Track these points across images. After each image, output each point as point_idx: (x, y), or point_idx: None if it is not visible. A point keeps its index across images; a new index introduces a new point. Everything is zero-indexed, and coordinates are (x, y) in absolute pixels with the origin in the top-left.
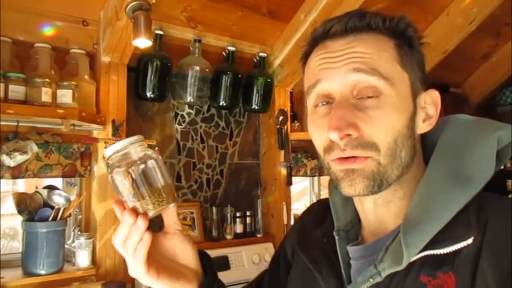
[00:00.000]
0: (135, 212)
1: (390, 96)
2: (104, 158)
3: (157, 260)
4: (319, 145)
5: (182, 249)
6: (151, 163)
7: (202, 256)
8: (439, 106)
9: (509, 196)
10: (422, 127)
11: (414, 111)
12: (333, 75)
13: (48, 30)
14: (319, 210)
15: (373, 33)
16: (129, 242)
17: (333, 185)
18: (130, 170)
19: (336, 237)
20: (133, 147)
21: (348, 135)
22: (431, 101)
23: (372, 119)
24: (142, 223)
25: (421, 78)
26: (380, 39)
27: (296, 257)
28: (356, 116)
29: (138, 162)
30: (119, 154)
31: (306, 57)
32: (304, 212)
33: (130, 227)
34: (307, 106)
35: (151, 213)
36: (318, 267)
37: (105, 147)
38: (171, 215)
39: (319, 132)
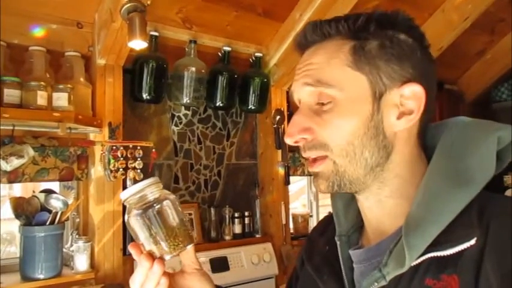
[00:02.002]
0: (151, 256)
1: (341, 100)
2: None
3: None
4: None
5: None
6: (167, 203)
7: None
8: (422, 99)
9: (506, 191)
10: (399, 124)
11: (376, 110)
12: (295, 87)
13: (42, 33)
14: (325, 221)
15: (332, 40)
16: (147, 286)
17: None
18: (146, 212)
19: (338, 243)
20: (150, 189)
21: (303, 138)
22: (411, 95)
23: (325, 122)
24: (158, 268)
25: (392, 72)
26: (335, 45)
27: (304, 269)
28: (312, 121)
29: (154, 203)
30: (135, 197)
31: None
32: (316, 225)
33: (147, 272)
34: None
35: (167, 257)
36: (319, 274)
37: (102, 150)
38: (188, 255)
39: None
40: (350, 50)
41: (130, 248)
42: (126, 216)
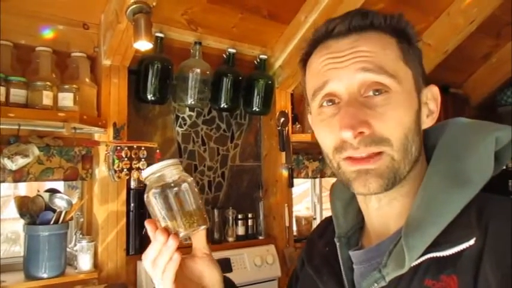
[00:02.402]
0: (166, 231)
1: (398, 92)
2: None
3: (183, 283)
4: (328, 145)
5: (209, 274)
6: (184, 186)
7: (227, 281)
8: (439, 101)
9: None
10: (427, 122)
11: (419, 107)
12: (340, 75)
13: (49, 34)
14: (325, 223)
15: (376, 32)
16: (159, 262)
17: (334, 193)
18: (164, 191)
19: (337, 244)
20: (169, 169)
21: (361, 133)
22: (432, 96)
23: (383, 116)
24: (173, 243)
25: (421, 74)
26: (383, 38)
27: (304, 270)
28: (366, 114)
29: (173, 184)
30: (155, 175)
31: (305, 58)
32: (315, 227)
33: (161, 246)
34: (311, 107)
35: (182, 234)
36: (319, 275)
37: (106, 150)
38: (200, 239)
39: (327, 132)
40: (398, 44)
41: (147, 224)
42: (145, 194)
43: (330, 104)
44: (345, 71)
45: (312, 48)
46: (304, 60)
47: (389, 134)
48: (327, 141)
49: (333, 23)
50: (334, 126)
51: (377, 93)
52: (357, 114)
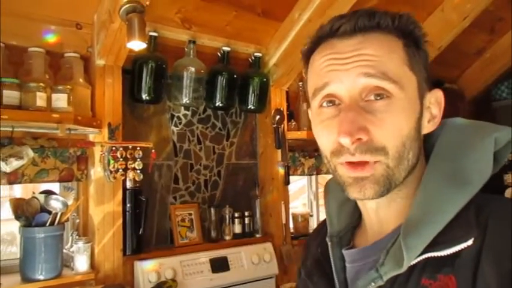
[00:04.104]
0: None
1: (400, 99)
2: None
3: None
4: (326, 147)
5: None
6: None
7: None
8: (442, 106)
9: (506, 190)
10: (428, 127)
11: (421, 113)
12: (342, 77)
13: (45, 36)
14: (320, 225)
15: (382, 33)
16: None
17: (329, 192)
18: None
19: (329, 243)
20: None
21: (359, 139)
22: (435, 100)
23: (382, 122)
24: None
25: (426, 78)
26: (389, 40)
27: (301, 275)
28: (366, 119)
29: None
30: None
31: (308, 55)
32: (312, 231)
33: None
34: (312, 105)
35: None
36: (310, 276)
37: (101, 151)
38: None
39: (326, 133)
40: (404, 48)
41: None
42: None
43: (330, 104)
44: (347, 74)
45: (315, 45)
46: (307, 57)
47: (386, 142)
48: (325, 142)
49: (339, 22)
50: (332, 129)
51: (378, 98)
52: (356, 120)
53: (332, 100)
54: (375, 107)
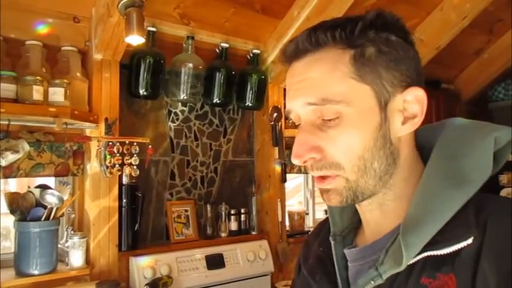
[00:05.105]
0: None
1: (349, 115)
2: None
3: None
4: None
5: None
6: None
7: None
8: (424, 103)
9: (502, 190)
10: (403, 129)
11: (384, 119)
12: (293, 104)
13: (43, 29)
14: (320, 223)
15: (327, 49)
16: None
17: None
18: None
19: (332, 242)
20: None
21: (312, 157)
22: (414, 99)
23: (334, 140)
24: None
25: (394, 79)
26: (334, 55)
27: (300, 273)
28: (319, 138)
29: None
30: None
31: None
32: (312, 229)
33: None
34: None
35: None
36: (312, 275)
37: (98, 146)
38: None
39: None
40: (350, 59)
41: None
42: None
43: (298, 124)
44: (296, 101)
45: (286, 66)
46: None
47: (340, 159)
48: None
49: (288, 46)
50: None
51: (330, 118)
52: (307, 141)
53: (299, 123)
54: (328, 125)
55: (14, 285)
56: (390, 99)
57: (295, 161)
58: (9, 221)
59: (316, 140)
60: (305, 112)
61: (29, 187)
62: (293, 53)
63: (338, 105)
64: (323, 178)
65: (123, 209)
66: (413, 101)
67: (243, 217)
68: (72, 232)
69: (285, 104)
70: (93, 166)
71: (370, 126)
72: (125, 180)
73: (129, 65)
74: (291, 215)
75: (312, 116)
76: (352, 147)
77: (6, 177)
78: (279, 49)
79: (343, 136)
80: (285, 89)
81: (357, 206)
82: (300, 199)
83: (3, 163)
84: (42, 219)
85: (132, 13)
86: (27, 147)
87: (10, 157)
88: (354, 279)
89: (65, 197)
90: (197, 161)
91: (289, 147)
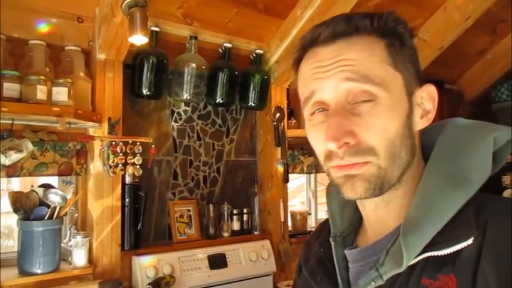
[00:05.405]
0: None
1: (384, 99)
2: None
3: None
4: (319, 152)
5: None
6: None
7: None
8: (436, 100)
9: (504, 191)
10: (421, 123)
11: (410, 110)
12: (326, 84)
13: (46, 28)
14: (321, 225)
15: (363, 36)
16: None
17: (330, 193)
18: None
19: (332, 243)
20: None
21: (346, 143)
22: (427, 96)
23: (368, 124)
24: None
25: (414, 74)
26: (370, 42)
27: (301, 274)
28: (352, 122)
29: None
30: None
31: (297, 63)
32: (313, 230)
33: None
34: (304, 114)
35: None
36: (313, 276)
37: (101, 145)
38: None
39: (317, 139)
40: (386, 47)
41: None
42: None
43: (321, 110)
44: (330, 80)
45: (301, 53)
46: (296, 66)
47: (375, 143)
48: (317, 148)
49: (319, 30)
50: (322, 134)
51: (364, 100)
52: (342, 125)
53: (322, 107)
54: (361, 110)
55: (17, 284)
56: (413, 92)
57: (331, 145)
58: (13, 220)
59: (350, 125)
60: (337, 93)
61: (32, 186)
62: (325, 36)
63: (376, 87)
64: (351, 165)
65: (126, 208)
66: (427, 98)
67: (245, 217)
68: (75, 231)
69: (288, 103)
70: (96, 165)
71: (400, 113)
72: (127, 179)
73: (133, 64)
74: (293, 215)
75: (343, 98)
76: (386, 131)
77: (9, 176)
78: (282, 49)
79: (378, 120)
80: (288, 89)
81: (360, 207)
82: (303, 199)
83: (7, 162)
84: (46, 218)
85: (136, 13)
86: (30, 146)
87: (14, 156)
88: (355, 280)
89: (68, 196)
90: (200, 161)
91: (292, 147)
